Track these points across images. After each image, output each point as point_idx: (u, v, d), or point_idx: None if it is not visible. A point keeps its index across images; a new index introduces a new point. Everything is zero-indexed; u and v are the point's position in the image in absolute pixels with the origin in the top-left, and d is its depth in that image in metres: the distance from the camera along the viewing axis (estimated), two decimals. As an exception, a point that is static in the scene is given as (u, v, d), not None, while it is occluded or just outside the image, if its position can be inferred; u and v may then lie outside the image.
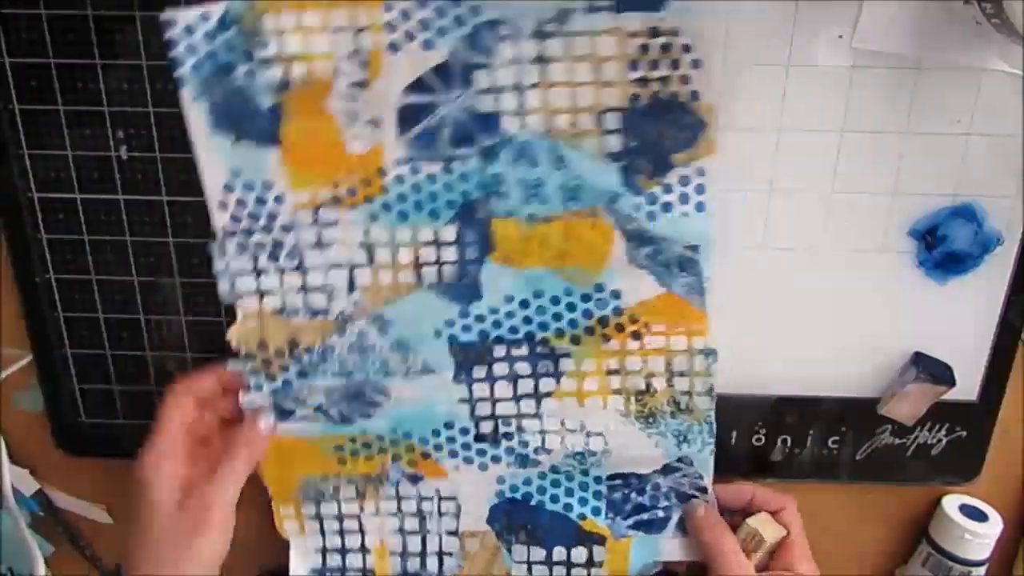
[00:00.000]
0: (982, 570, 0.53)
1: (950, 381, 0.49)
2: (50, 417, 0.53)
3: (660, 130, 0.43)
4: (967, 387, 0.50)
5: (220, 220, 0.45)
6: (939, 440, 0.52)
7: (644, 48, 0.41)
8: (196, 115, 0.43)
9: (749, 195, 0.46)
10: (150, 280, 0.49)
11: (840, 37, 0.42)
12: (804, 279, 0.48)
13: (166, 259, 0.48)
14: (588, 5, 0.41)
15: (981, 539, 0.52)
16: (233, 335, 0.48)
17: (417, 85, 0.43)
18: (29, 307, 0.50)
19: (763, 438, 0.52)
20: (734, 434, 0.52)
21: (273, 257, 0.46)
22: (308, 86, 0.42)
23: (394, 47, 0.42)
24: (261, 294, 0.47)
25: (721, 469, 0.52)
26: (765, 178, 0.45)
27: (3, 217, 0.48)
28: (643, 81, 0.42)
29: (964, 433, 0.52)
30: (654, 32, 0.41)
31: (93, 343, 0.51)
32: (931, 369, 0.49)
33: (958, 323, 0.49)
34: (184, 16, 0.41)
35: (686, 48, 0.41)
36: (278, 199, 0.45)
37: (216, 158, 0.44)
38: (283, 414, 0.49)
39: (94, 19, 0.43)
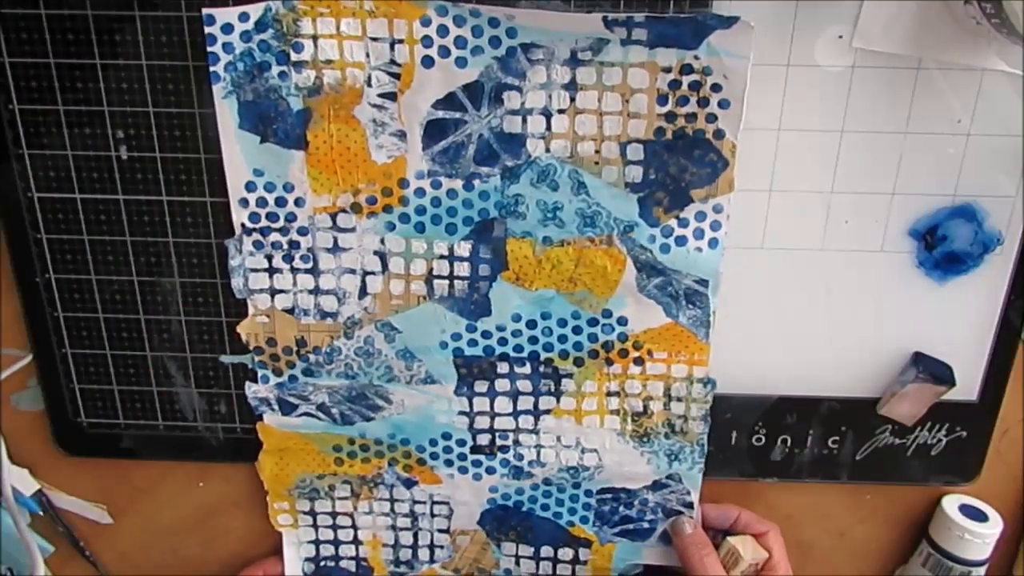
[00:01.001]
0: (982, 570, 0.53)
1: (950, 381, 0.49)
2: (50, 417, 0.53)
3: (682, 165, 0.44)
4: (967, 387, 0.50)
5: (239, 217, 0.46)
6: (939, 440, 0.52)
7: (675, 84, 0.42)
8: (225, 112, 0.43)
9: (749, 195, 0.46)
10: (150, 280, 0.49)
11: (840, 37, 0.42)
12: (804, 279, 0.48)
13: (166, 259, 0.48)
14: (623, 37, 0.41)
15: (981, 539, 0.52)
16: (243, 329, 0.48)
17: (447, 101, 0.43)
18: (29, 307, 0.50)
19: (763, 438, 0.52)
20: (734, 434, 0.52)
21: (288, 258, 0.47)
22: (339, 92, 0.43)
23: (428, 61, 0.42)
24: (273, 292, 0.47)
25: (721, 469, 0.52)
26: (765, 178, 0.45)
27: (3, 217, 0.48)
28: (670, 116, 0.43)
29: (964, 433, 0.52)
30: (686, 69, 0.42)
31: (93, 343, 0.51)
32: (931, 369, 0.49)
33: (958, 323, 0.49)
34: (223, 14, 0.41)
35: (715, 88, 0.42)
36: (298, 202, 0.45)
37: (241, 156, 0.44)
38: (286, 408, 0.50)
39: (94, 19, 0.43)
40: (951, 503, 0.54)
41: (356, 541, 0.55)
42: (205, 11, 0.41)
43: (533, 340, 0.48)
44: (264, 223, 0.46)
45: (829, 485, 0.54)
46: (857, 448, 0.52)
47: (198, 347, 0.50)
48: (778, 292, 0.48)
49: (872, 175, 0.45)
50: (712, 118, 0.43)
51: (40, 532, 0.56)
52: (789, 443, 0.52)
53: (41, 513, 0.56)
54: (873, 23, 0.42)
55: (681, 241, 0.45)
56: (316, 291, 0.47)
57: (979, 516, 0.53)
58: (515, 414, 0.50)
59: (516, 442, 0.51)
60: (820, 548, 0.57)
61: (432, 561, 0.55)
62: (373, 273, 0.47)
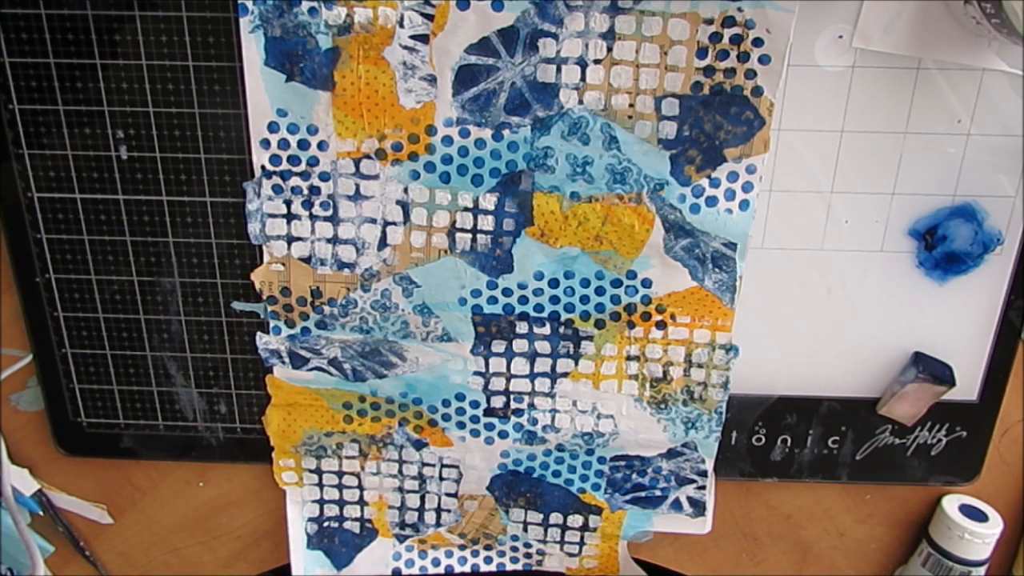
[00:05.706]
0: (982, 570, 0.53)
1: (950, 381, 0.49)
2: (50, 417, 0.53)
3: (717, 122, 0.43)
4: (967, 387, 0.50)
5: (259, 159, 0.45)
6: (939, 440, 0.52)
7: (715, 37, 0.41)
8: (251, 47, 0.42)
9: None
10: (150, 280, 0.49)
11: (840, 37, 0.42)
12: (804, 279, 0.48)
13: (166, 259, 0.48)
14: None
15: (981, 539, 0.52)
16: (257, 276, 0.48)
17: (480, 46, 0.42)
18: (29, 307, 0.50)
19: (763, 438, 0.52)
20: (734, 434, 0.52)
21: (307, 204, 0.46)
22: (369, 32, 0.42)
23: (463, 3, 0.41)
24: (290, 240, 0.47)
25: (722, 469, 0.52)
26: (765, 178, 0.45)
27: (3, 217, 0.48)
28: (709, 70, 0.42)
29: (964, 433, 0.52)
30: (728, 22, 0.41)
31: (93, 343, 0.51)
32: (931, 369, 0.49)
33: (958, 323, 0.49)
34: None
35: (757, 42, 0.41)
36: (321, 145, 0.44)
37: (265, 94, 0.43)
38: (297, 362, 0.49)
39: (94, 19, 0.43)
40: (951, 503, 0.54)
41: (362, 502, 0.54)
42: None
43: (554, 300, 0.47)
44: (285, 166, 0.45)
45: (829, 485, 0.54)
46: (857, 448, 0.52)
47: (198, 347, 0.50)
48: (778, 292, 0.48)
49: (872, 175, 0.45)
50: (751, 74, 0.42)
51: (40, 532, 0.56)
52: (789, 443, 0.52)
53: (41, 513, 0.56)
54: (873, 23, 0.42)
55: (712, 202, 0.44)
56: (335, 240, 0.46)
57: (979, 516, 0.53)
58: (531, 376, 0.49)
59: (531, 406, 0.50)
60: (820, 548, 0.57)
61: (438, 525, 0.55)
62: (394, 224, 0.46)
